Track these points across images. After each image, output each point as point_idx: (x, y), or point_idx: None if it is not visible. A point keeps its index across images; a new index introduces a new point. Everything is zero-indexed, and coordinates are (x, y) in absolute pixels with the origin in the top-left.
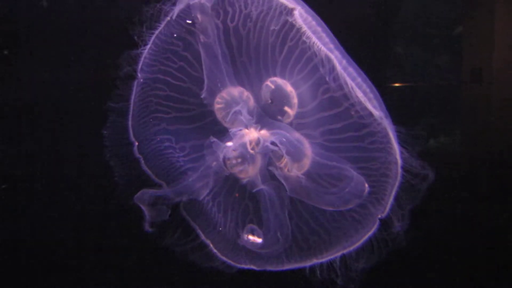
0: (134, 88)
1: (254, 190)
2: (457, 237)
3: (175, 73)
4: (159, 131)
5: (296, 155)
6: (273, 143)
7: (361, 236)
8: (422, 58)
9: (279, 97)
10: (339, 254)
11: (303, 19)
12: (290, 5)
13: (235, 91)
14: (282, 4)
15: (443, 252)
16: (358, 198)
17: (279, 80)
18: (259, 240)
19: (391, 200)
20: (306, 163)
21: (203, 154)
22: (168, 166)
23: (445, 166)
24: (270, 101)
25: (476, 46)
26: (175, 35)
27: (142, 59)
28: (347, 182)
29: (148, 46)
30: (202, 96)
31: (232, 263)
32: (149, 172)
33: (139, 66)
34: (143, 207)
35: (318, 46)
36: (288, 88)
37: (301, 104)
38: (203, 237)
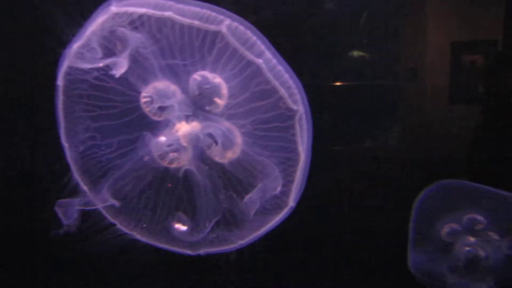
0: (59, 95)
1: (180, 172)
2: (392, 231)
3: (95, 73)
4: (84, 129)
5: (226, 143)
6: (204, 133)
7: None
8: (360, 59)
9: (207, 89)
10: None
11: (232, 33)
12: (217, 28)
13: (161, 84)
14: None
15: (377, 246)
16: (270, 193)
17: (207, 73)
18: (184, 228)
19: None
20: (236, 151)
21: (131, 148)
22: (93, 165)
23: (382, 163)
24: (198, 93)
25: (411, 47)
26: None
27: (63, 67)
28: (266, 177)
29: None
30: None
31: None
32: (77, 176)
33: (60, 75)
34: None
35: (245, 53)
36: (217, 80)
37: (232, 95)
38: (126, 231)
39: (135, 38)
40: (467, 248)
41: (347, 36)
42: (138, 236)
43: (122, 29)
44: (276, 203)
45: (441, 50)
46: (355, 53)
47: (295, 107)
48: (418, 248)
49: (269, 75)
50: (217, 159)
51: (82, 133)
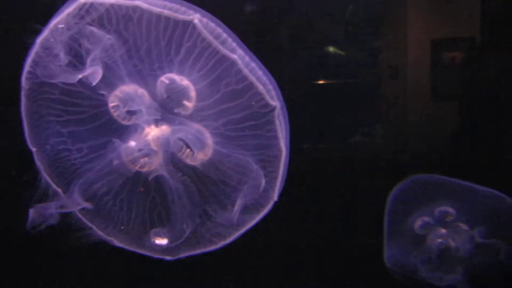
0: (22, 97)
1: (155, 177)
2: (372, 226)
3: None
4: (53, 134)
5: (196, 146)
6: (174, 137)
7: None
8: (344, 57)
9: (175, 92)
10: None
11: (203, 25)
12: (188, 17)
13: (129, 88)
14: (177, 17)
15: (357, 240)
16: (256, 192)
17: (174, 76)
18: (165, 242)
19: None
20: (208, 153)
21: (101, 153)
22: (64, 170)
23: (367, 157)
24: (166, 96)
25: (392, 45)
26: (51, 40)
27: (27, 66)
28: (248, 175)
29: (33, 53)
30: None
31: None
32: (48, 179)
33: (24, 74)
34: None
35: (219, 47)
36: (184, 82)
37: (201, 97)
38: (104, 236)
39: (105, 39)
40: (439, 240)
41: (329, 34)
42: (117, 242)
43: (92, 28)
44: (259, 201)
45: (422, 48)
46: (331, 49)
47: (273, 103)
48: (393, 242)
49: (246, 71)
50: (188, 161)
51: (50, 138)
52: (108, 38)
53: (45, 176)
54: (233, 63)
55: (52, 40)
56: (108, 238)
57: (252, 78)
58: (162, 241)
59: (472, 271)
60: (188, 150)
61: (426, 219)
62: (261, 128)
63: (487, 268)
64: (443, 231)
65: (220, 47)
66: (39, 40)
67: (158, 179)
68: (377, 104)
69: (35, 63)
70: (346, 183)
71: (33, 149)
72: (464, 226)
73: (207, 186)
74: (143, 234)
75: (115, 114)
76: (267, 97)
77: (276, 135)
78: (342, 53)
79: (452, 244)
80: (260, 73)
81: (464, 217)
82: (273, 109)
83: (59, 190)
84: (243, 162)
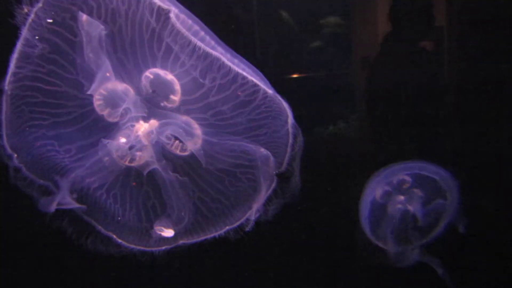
0: (4, 103)
1: (147, 171)
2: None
3: (46, 78)
4: (38, 137)
5: (185, 137)
6: (163, 131)
7: (261, 194)
8: (316, 50)
9: (161, 86)
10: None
11: (180, 21)
12: (164, 6)
13: (113, 85)
14: (154, 4)
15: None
16: (268, 169)
17: (158, 70)
18: (171, 233)
19: (286, 157)
20: (197, 142)
21: (90, 152)
22: (52, 167)
23: (343, 149)
24: (151, 91)
25: (363, 36)
26: (36, 37)
27: (11, 67)
28: (253, 156)
29: (15, 56)
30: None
31: (143, 248)
32: (32, 176)
33: (7, 78)
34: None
35: (199, 45)
36: (169, 76)
37: (187, 92)
38: (103, 230)
39: (99, 29)
40: (398, 206)
41: (299, 27)
42: (116, 237)
43: (86, 16)
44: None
45: (393, 37)
46: (284, 14)
47: (270, 91)
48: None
49: (232, 65)
50: (178, 152)
51: (35, 142)
52: (102, 29)
53: (30, 175)
54: (217, 58)
55: (36, 37)
56: (108, 233)
57: (240, 71)
58: (168, 233)
59: (431, 242)
60: (177, 141)
61: (386, 188)
62: (249, 114)
63: (445, 238)
64: (401, 197)
65: (201, 44)
66: (23, 37)
67: (150, 172)
68: (350, 95)
69: (21, 63)
70: (321, 175)
71: (14, 154)
72: (419, 192)
73: (203, 175)
74: (141, 226)
75: (101, 113)
76: (263, 86)
77: (284, 118)
78: (294, 25)
79: (410, 208)
80: (245, 66)
81: (419, 186)
82: (272, 95)
83: (48, 186)
84: (238, 147)
